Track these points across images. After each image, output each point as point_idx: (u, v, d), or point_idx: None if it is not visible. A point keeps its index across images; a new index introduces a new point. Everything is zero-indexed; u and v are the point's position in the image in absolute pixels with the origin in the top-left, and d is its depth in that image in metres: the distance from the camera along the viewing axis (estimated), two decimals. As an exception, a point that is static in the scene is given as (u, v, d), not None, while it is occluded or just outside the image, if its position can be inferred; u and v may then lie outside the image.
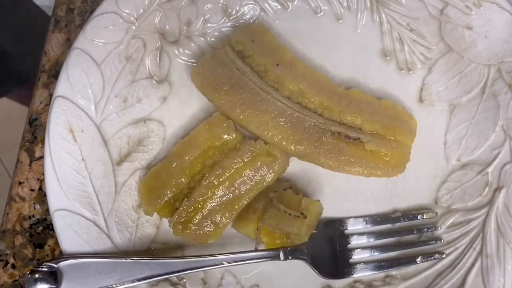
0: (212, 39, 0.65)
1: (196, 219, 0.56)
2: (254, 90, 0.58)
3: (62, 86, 0.59)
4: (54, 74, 0.67)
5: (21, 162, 0.65)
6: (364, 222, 0.59)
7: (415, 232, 0.58)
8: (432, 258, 0.57)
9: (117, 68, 0.61)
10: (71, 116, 0.59)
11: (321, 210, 0.56)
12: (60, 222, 0.56)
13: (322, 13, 0.65)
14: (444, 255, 0.57)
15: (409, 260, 0.57)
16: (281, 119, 0.57)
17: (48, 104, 0.66)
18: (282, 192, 0.58)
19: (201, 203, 0.56)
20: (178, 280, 0.57)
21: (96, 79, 0.60)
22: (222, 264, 0.55)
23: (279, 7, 0.65)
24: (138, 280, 0.54)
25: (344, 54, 0.64)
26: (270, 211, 0.56)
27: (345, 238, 0.59)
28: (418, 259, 0.57)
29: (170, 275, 0.55)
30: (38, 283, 0.53)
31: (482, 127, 0.60)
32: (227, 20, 0.64)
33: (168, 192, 0.57)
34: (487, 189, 0.58)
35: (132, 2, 0.61)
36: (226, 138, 0.58)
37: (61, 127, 0.58)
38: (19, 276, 0.62)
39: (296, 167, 0.61)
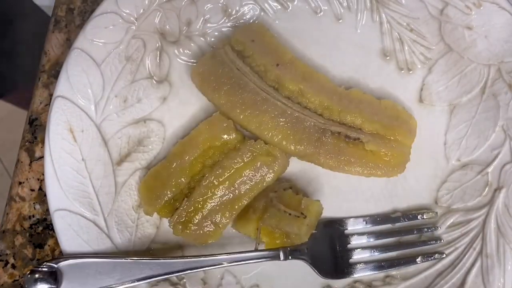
0: (212, 39, 0.65)
1: (196, 219, 0.56)
2: (254, 90, 0.58)
3: (62, 86, 0.59)
4: (54, 74, 0.67)
5: (21, 162, 0.65)
6: (364, 222, 0.59)
7: (415, 232, 0.58)
8: (432, 258, 0.57)
9: (117, 68, 0.61)
10: (71, 116, 0.59)
11: (321, 210, 0.56)
12: (60, 222, 0.56)
13: (322, 13, 0.65)
14: (444, 255, 0.57)
15: (409, 260, 0.57)
16: (281, 119, 0.57)
17: (48, 104, 0.66)
18: (282, 192, 0.58)
19: (201, 203, 0.56)
20: (178, 280, 0.57)
21: (96, 79, 0.60)
22: (222, 264, 0.55)
23: (279, 7, 0.65)
24: (138, 280, 0.54)
25: (344, 54, 0.64)
26: (270, 211, 0.56)
27: (345, 238, 0.59)
28: (418, 259, 0.57)
29: (170, 275, 0.55)
30: (38, 283, 0.53)
31: (482, 127, 0.60)
32: (227, 20, 0.64)
33: (168, 192, 0.57)
34: (487, 189, 0.58)
35: (132, 2, 0.61)
36: (226, 138, 0.58)
37: (61, 127, 0.58)
38: (19, 276, 0.62)
39: (296, 167, 0.61)
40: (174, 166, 0.57)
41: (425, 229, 0.58)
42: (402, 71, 0.64)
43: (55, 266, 0.54)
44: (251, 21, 0.65)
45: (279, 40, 0.63)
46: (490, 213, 0.57)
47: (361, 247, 0.58)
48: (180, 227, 0.56)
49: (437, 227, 0.58)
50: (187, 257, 0.55)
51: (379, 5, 0.63)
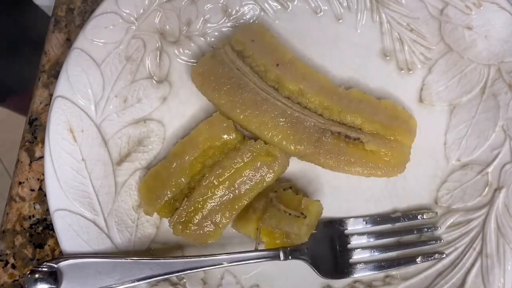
0: (212, 39, 0.65)
1: (196, 219, 0.56)
2: (254, 90, 0.58)
3: (62, 86, 0.59)
4: (54, 74, 0.67)
5: (21, 162, 0.65)
6: (364, 222, 0.59)
7: (415, 232, 0.58)
8: (432, 258, 0.57)
9: (117, 68, 0.61)
10: (71, 116, 0.59)
11: (321, 210, 0.56)
12: (60, 222, 0.56)
13: (322, 13, 0.65)
14: (444, 255, 0.57)
15: (409, 260, 0.57)
16: (281, 119, 0.57)
17: (48, 104, 0.66)
18: (282, 192, 0.58)
19: (201, 203, 0.56)
20: (178, 280, 0.57)
21: (96, 79, 0.60)
22: (222, 264, 0.55)
23: (279, 7, 0.65)
24: (138, 280, 0.54)
25: (344, 54, 0.64)
26: (270, 211, 0.56)
27: (345, 238, 0.59)
28: (418, 259, 0.57)
29: (170, 275, 0.55)
30: (38, 283, 0.53)
31: (482, 127, 0.60)
32: (227, 20, 0.64)
33: (168, 192, 0.57)
34: (487, 189, 0.58)
35: (132, 2, 0.61)
36: (226, 138, 0.58)
37: (61, 127, 0.58)
38: (19, 276, 0.62)
39: (296, 167, 0.61)
40: (174, 166, 0.57)
41: (425, 229, 0.58)
42: (402, 71, 0.64)
43: (55, 266, 0.54)
44: (251, 21, 0.65)
45: (279, 40, 0.63)
46: (490, 213, 0.57)
47: (361, 247, 0.58)
48: (180, 227, 0.56)
49: (437, 227, 0.58)
50: (187, 257, 0.55)
51: (379, 5, 0.63)
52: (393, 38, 0.64)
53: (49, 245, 0.62)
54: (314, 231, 0.55)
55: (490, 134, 0.59)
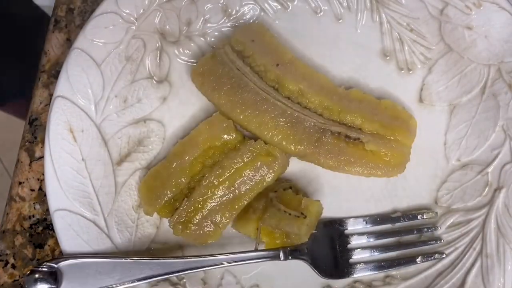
0: (212, 39, 0.65)
1: (196, 219, 0.56)
2: (254, 90, 0.58)
3: (62, 86, 0.59)
4: (54, 74, 0.67)
5: (21, 162, 0.65)
6: (364, 222, 0.59)
7: (415, 232, 0.58)
8: (432, 258, 0.57)
9: (117, 68, 0.61)
10: (71, 116, 0.59)
11: (321, 210, 0.56)
12: (60, 222, 0.56)
13: (322, 13, 0.65)
14: (444, 255, 0.57)
15: (409, 260, 0.57)
16: (281, 119, 0.57)
17: (48, 104, 0.66)
18: (282, 192, 0.58)
19: (201, 203, 0.56)
20: (178, 280, 0.57)
21: (96, 79, 0.60)
22: (222, 264, 0.55)
23: (279, 7, 0.65)
24: (138, 280, 0.54)
25: (344, 54, 0.64)
26: (270, 211, 0.56)
27: (345, 238, 0.59)
28: (418, 259, 0.57)
29: (170, 275, 0.55)
30: (38, 283, 0.53)
31: (482, 127, 0.60)
32: (227, 20, 0.64)
33: (168, 192, 0.57)
34: (487, 189, 0.58)
35: (132, 2, 0.61)
36: (226, 138, 0.58)
37: (61, 127, 0.58)
38: (19, 276, 0.61)
39: (296, 167, 0.61)
40: (174, 166, 0.57)
41: (425, 229, 0.58)
42: (402, 71, 0.64)
43: (55, 266, 0.54)
44: (251, 21, 0.65)
45: (279, 40, 0.63)
46: (490, 213, 0.57)
47: (361, 247, 0.58)
48: (180, 227, 0.56)
49: (437, 227, 0.58)
50: (187, 257, 0.55)
51: (379, 5, 0.63)
52: (393, 38, 0.64)
53: (49, 245, 0.62)
54: (314, 231, 0.55)
55: (490, 134, 0.59)
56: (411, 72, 0.63)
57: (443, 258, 0.57)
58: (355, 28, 0.64)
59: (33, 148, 0.65)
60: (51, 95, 0.66)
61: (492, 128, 0.59)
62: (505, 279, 0.54)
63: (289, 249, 0.55)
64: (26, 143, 0.65)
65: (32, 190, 0.64)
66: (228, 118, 0.58)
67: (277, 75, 0.59)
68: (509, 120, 0.59)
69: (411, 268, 0.57)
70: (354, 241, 0.59)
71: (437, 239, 0.58)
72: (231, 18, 0.64)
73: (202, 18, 0.64)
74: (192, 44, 0.64)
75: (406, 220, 0.59)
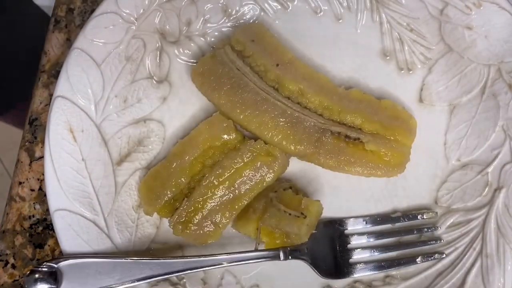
0: (212, 39, 0.65)
1: (196, 219, 0.56)
2: (254, 90, 0.58)
3: (62, 86, 0.59)
4: (54, 74, 0.67)
5: (21, 162, 0.65)
6: (364, 222, 0.59)
7: (415, 232, 0.58)
8: (432, 258, 0.57)
9: (117, 68, 0.61)
10: (71, 116, 0.59)
11: (321, 210, 0.56)
12: (60, 222, 0.56)
13: (322, 13, 0.65)
14: (444, 255, 0.57)
15: (409, 260, 0.57)
16: (281, 119, 0.57)
17: (48, 104, 0.66)
18: (282, 192, 0.58)
19: (201, 203, 0.56)
20: (178, 280, 0.57)
21: (96, 79, 0.60)
22: (222, 264, 0.55)
23: (279, 7, 0.65)
24: (138, 280, 0.54)
25: (344, 54, 0.64)
26: (270, 211, 0.56)
27: (345, 238, 0.59)
28: (418, 259, 0.57)
29: (170, 275, 0.55)
30: (38, 283, 0.53)
31: (482, 127, 0.60)
32: (227, 20, 0.64)
33: (168, 192, 0.57)
34: (487, 189, 0.58)
35: (132, 2, 0.61)
36: (226, 138, 0.58)
37: (61, 127, 0.58)
38: (19, 276, 0.62)
39: (296, 167, 0.61)
40: (174, 166, 0.57)
41: (425, 229, 0.58)
42: (402, 71, 0.64)
43: (55, 266, 0.54)
44: (251, 21, 0.65)
45: (279, 40, 0.63)
46: (490, 213, 0.57)
47: (361, 247, 0.58)
48: (180, 227, 0.56)
49: (437, 227, 0.58)
50: (187, 257, 0.55)
51: (379, 5, 0.63)
52: (393, 38, 0.64)
53: (49, 245, 0.62)
54: (314, 231, 0.55)
55: (490, 134, 0.59)
56: (411, 72, 0.63)
57: (443, 258, 0.57)
58: (355, 28, 0.64)
59: (33, 148, 0.65)
60: (51, 95, 0.66)
61: (492, 128, 0.59)
62: (505, 279, 0.54)
63: (289, 249, 0.55)
64: (26, 143, 0.65)
65: (32, 190, 0.64)
66: (228, 118, 0.58)
67: (277, 75, 0.59)
68: (509, 120, 0.59)
69: (411, 268, 0.57)
70: (354, 241, 0.59)
71: (437, 239, 0.58)
72: (231, 18, 0.64)
73: (202, 18, 0.64)
74: (192, 44, 0.64)
75: (406, 220, 0.59)
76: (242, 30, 0.62)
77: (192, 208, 0.56)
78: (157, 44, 0.63)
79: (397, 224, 0.59)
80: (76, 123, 0.59)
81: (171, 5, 0.62)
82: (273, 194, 0.57)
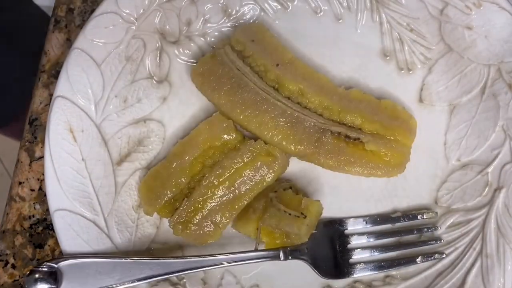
0: (212, 39, 0.65)
1: (196, 219, 0.56)
2: (254, 90, 0.58)
3: (62, 86, 0.59)
4: (54, 74, 0.67)
5: (21, 162, 0.65)
6: (364, 222, 0.59)
7: (415, 232, 0.58)
8: (432, 258, 0.57)
9: (117, 68, 0.61)
10: (71, 116, 0.59)
11: (321, 210, 0.56)
12: (60, 222, 0.56)
13: (322, 13, 0.65)
14: (444, 255, 0.57)
15: (409, 260, 0.57)
16: (281, 119, 0.57)
17: (48, 104, 0.66)
18: (282, 192, 0.58)
19: (201, 203, 0.56)
20: (178, 280, 0.57)
21: (96, 79, 0.60)
22: (222, 264, 0.55)
23: (279, 7, 0.65)
24: (138, 280, 0.54)
25: (344, 54, 0.64)
26: (270, 211, 0.56)
27: (345, 238, 0.59)
28: (418, 259, 0.57)
29: (170, 275, 0.55)
30: (38, 283, 0.53)
31: (482, 127, 0.60)
32: (227, 20, 0.64)
33: (168, 192, 0.57)
34: (487, 189, 0.58)
35: (132, 2, 0.61)
36: (226, 138, 0.58)
37: (61, 127, 0.58)
38: (19, 276, 0.62)
39: (296, 167, 0.61)
40: (174, 166, 0.57)
41: (425, 229, 0.58)
42: (402, 71, 0.64)
43: (55, 266, 0.54)
44: (251, 21, 0.65)
45: (279, 40, 0.63)
46: (490, 213, 0.57)
47: (361, 247, 0.58)
48: (180, 227, 0.56)
49: (437, 227, 0.58)
50: (187, 257, 0.55)
51: (379, 5, 0.63)
52: (393, 38, 0.64)
53: (49, 245, 0.62)
54: (314, 231, 0.55)
55: (490, 134, 0.59)
56: (411, 72, 0.63)
57: (443, 258, 0.57)
58: (355, 28, 0.64)
59: (33, 148, 0.65)
60: (51, 95, 0.66)
61: (492, 128, 0.59)
62: (505, 279, 0.54)
63: (289, 249, 0.55)
64: (26, 143, 0.65)
65: (32, 190, 0.64)
66: (228, 118, 0.58)
67: (277, 75, 0.59)
68: (509, 120, 0.59)
69: (411, 268, 0.57)
70: (354, 241, 0.59)
71: (437, 239, 0.58)
72: (231, 18, 0.64)
73: (202, 18, 0.64)
74: (192, 44, 0.64)
75: (406, 220, 0.59)
76: (242, 30, 0.62)
77: (192, 208, 0.56)
78: (157, 44, 0.63)
79: (397, 224, 0.59)
80: (76, 123, 0.59)
81: (171, 5, 0.62)
82: (273, 194, 0.57)
